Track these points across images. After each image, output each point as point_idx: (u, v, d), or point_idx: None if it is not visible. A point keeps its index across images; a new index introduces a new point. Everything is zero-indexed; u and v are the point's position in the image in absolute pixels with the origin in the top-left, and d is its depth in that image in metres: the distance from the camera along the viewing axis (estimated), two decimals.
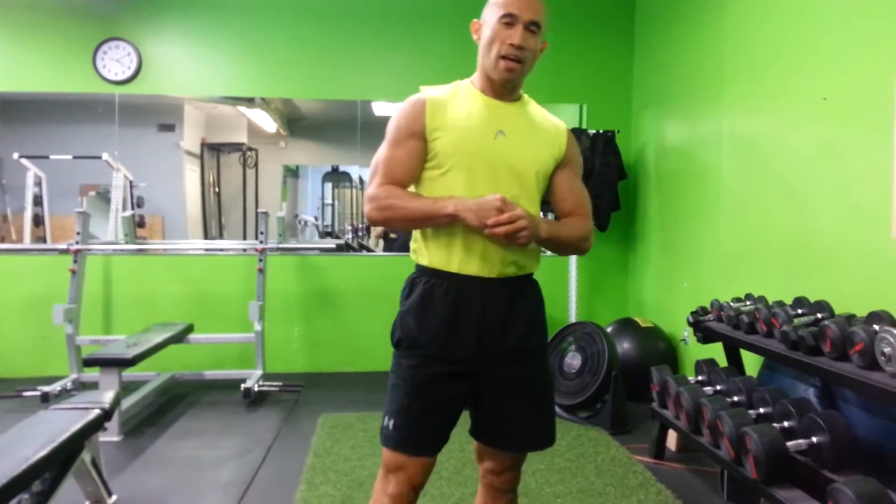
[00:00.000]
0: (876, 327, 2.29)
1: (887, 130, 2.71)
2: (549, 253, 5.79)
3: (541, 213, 1.90)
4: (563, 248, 1.91)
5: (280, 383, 4.73)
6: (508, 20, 1.73)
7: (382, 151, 1.82)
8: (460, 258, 1.77)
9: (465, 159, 1.76)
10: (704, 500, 3.04)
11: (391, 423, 1.79)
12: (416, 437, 1.78)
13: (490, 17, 1.77)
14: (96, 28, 5.26)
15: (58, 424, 2.54)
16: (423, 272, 1.84)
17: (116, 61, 5.26)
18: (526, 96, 1.91)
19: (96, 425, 2.70)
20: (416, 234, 1.87)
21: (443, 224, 1.74)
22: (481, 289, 1.78)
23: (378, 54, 5.49)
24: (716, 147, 4.18)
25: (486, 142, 1.77)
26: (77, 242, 4.73)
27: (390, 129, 1.82)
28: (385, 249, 6.38)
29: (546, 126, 1.89)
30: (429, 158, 1.79)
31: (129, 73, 5.27)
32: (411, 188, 1.84)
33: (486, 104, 1.81)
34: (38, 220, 5.92)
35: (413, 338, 1.80)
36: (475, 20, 1.84)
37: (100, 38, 5.24)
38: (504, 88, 1.82)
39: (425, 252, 1.83)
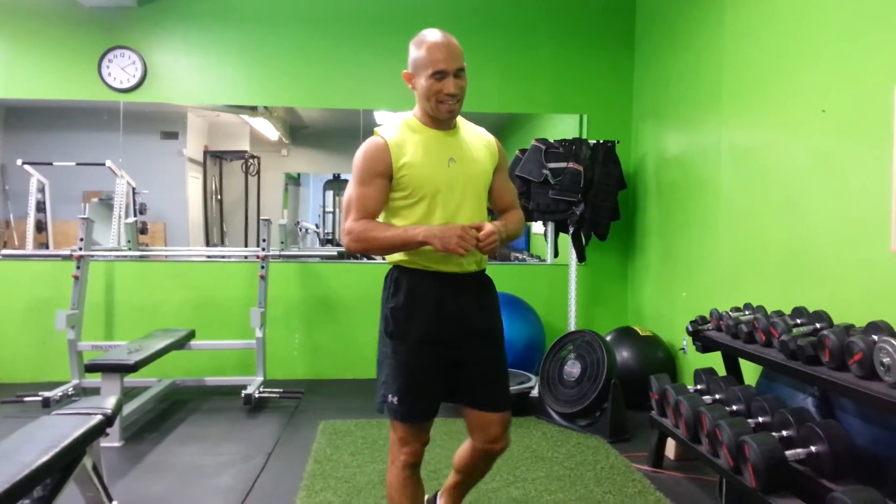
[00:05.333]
0: (875, 337, 2.30)
1: (886, 142, 2.72)
2: (549, 261, 5.73)
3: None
4: (510, 241, 2.32)
5: (280, 390, 4.74)
6: (439, 76, 2.04)
7: (353, 189, 2.13)
8: (438, 259, 2.13)
9: (431, 189, 2.11)
10: None
11: (395, 398, 2.14)
12: (417, 406, 2.16)
13: (421, 72, 2.07)
14: (102, 36, 5.29)
15: (60, 430, 2.54)
16: (404, 271, 2.18)
17: (122, 69, 5.29)
18: (459, 119, 2.24)
19: (98, 431, 2.70)
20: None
21: (415, 248, 2.08)
22: (458, 284, 2.18)
23: (381, 64, 5.51)
24: (715, 158, 4.20)
25: (444, 170, 2.13)
26: (80, 248, 4.75)
27: (357, 169, 2.12)
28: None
29: (482, 143, 2.26)
30: (398, 191, 2.12)
31: (133, 82, 5.31)
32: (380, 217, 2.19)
33: (436, 137, 2.16)
34: (40, 226, 5.94)
35: (405, 329, 2.15)
36: (405, 71, 2.14)
37: (105, 47, 5.28)
38: (447, 123, 2.17)
39: (409, 254, 2.16)
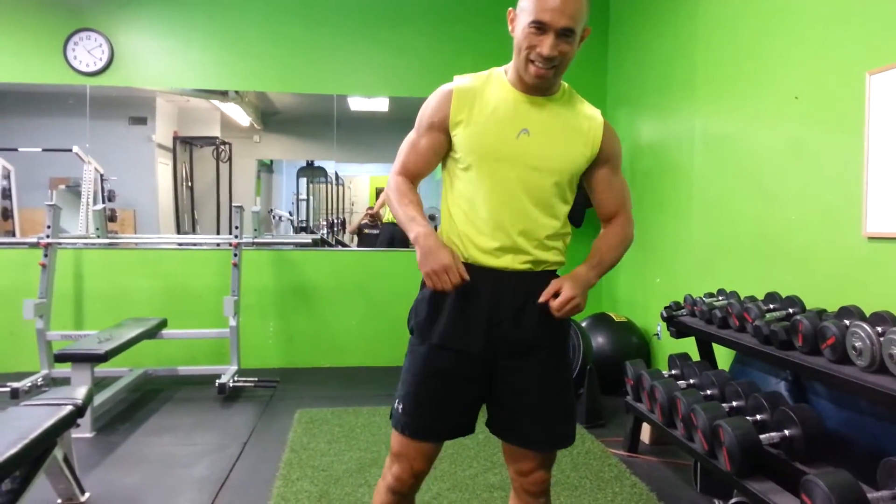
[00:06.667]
0: (847, 322, 2.33)
1: (858, 129, 2.76)
2: None
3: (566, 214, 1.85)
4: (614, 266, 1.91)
5: (255, 379, 4.70)
6: (538, 26, 1.62)
7: (408, 137, 1.83)
8: (473, 249, 1.75)
9: (482, 158, 1.71)
10: (678, 492, 3.08)
11: (400, 406, 1.80)
12: (421, 422, 1.78)
13: (522, 16, 1.65)
14: (67, 18, 5.17)
15: (29, 421, 2.50)
16: None
17: (88, 52, 5.18)
18: (566, 88, 1.82)
19: (69, 422, 2.66)
20: (443, 216, 1.85)
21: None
22: (493, 280, 1.74)
23: (355, 49, 5.46)
24: (688, 145, 4.23)
25: (507, 141, 1.71)
26: (48, 236, 4.65)
27: (419, 115, 1.81)
28: (360, 245, 6.37)
29: (580, 123, 1.78)
30: (453, 150, 1.77)
31: (100, 65, 5.20)
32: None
33: (515, 99, 1.74)
34: (6, 214, 5.81)
35: (424, 326, 1.80)
36: (511, 9, 1.71)
37: (71, 29, 5.16)
38: (540, 88, 1.74)
39: (445, 233, 1.82)
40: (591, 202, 5.69)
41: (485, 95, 1.74)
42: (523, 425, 1.79)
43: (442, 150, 1.79)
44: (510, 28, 1.71)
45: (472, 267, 1.71)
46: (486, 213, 1.72)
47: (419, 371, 1.79)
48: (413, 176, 1.82)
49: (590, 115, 1.81)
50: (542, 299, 1.70)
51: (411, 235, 1.68)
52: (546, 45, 1.62)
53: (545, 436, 1.81)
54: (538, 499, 1.85)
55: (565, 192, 1.80)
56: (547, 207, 1.76)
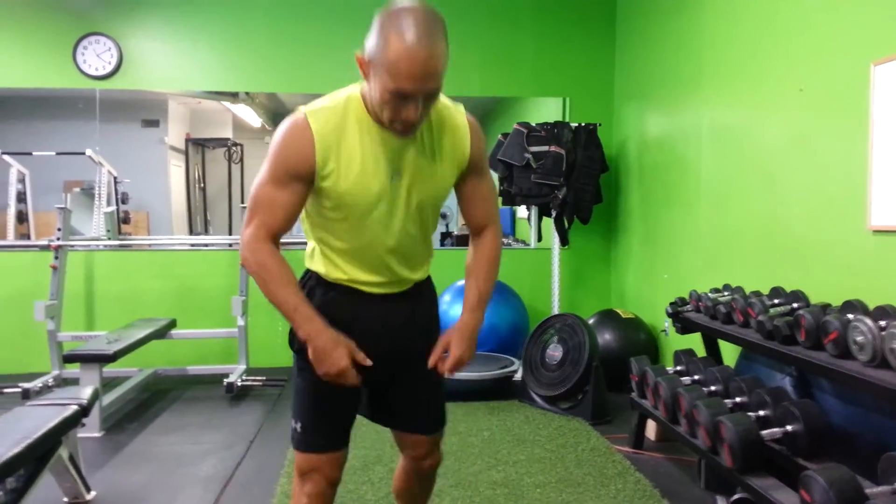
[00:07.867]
0: (849, 316, 2.30)
1: (863, 121, 2.72)
2: (532, 245, 5.69)
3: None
4: None
5: (263, 378, 4.73)
6: (400, 98, 1.47)
7: (262, 186, 1.61)
8: (358, 281, 1.74)
9: (360, 210, 1.63)
10: (682, 488, 3.05)
11: (299, 425, 1.78)
12: (324, 436, 1.79)
13: (379, 73, 1.48)
14: (76, 23, 5.22)
15: (34, 420, 2.53)
16: (319, 281, 1.76)
17: (97, 56, 5.23)
18: None
19: (74, 421, 2.69)
20: (310, 238, 1.79)
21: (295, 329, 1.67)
22: (379, 302, 1.76)
23: (362, 46, 5.46)
24: (695, 139, 4.19)
25: (384, 189, 1.62)
26: (58, 238, 4.71)
27: (273, 160, 1.60)
28: None
29: (447, 140, 1.69)
30: (322, 197, 1.63)
31: (109, 69, 5.24)
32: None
33: (383, 140, 1.60)
34: (21, 217, 5.89)
35: None
36: (359, 54, 1.56)
37: (80, 33, 5.21)
38: None
39: (321, 261, 1.76)
40: (598, 198, 5.63)
41: (349, 138, 1.59)
42: (417, 419, 1.92)
43: (305, 199, 1.64)
44: (361, 72, 1.56)
45: (357, 291, 1.74)
46: (370, 259, 1.71)
47: (315, 389, 1.75)
48: (277, 237, 1.64)
49: (455, 124, 1.71)
50: (431, 364, 1.75)
51: (300, 332, 1.61)
52: (411, 111, 1.49)
53: (436, 422, 1.95)
54: (430, 478, 2.04)
55: (435, 220, 1.81)
56: (428, 235, 1.79)
